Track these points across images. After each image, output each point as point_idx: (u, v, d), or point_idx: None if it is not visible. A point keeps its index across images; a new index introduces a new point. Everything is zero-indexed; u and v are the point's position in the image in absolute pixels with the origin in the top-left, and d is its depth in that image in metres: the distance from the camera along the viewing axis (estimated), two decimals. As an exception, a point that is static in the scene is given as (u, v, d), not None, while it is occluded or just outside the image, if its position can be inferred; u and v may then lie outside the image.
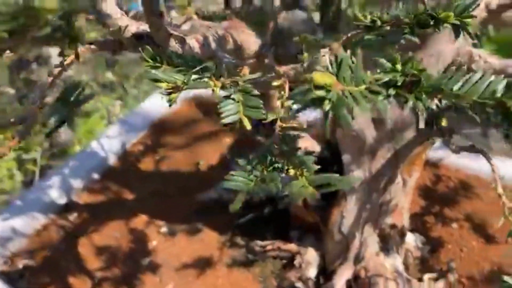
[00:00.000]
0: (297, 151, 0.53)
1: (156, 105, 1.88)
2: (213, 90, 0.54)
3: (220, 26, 0.87)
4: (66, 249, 1.45)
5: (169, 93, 0.50)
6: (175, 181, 1.64)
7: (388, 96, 0.42)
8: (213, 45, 0.71)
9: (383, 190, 1.23)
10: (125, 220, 1.50)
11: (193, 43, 0.66)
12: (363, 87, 0.41)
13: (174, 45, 0.61)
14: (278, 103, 0.57)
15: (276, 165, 0.52)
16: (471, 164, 1.64)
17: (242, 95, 0.55)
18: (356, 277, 1.34)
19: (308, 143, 1.23)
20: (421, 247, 1.49)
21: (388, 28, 0.58)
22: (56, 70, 0.60)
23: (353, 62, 0.41)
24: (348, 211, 1.24)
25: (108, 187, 1.63)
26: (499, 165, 0.92)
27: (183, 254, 1.42)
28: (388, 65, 0.43)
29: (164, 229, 1.47)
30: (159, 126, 1.87)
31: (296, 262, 1.34)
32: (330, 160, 1.26)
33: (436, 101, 0.42)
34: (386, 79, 0.42)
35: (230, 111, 0.55)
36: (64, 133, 1.95)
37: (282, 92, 0.57)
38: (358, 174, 1.21)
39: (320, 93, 0.39)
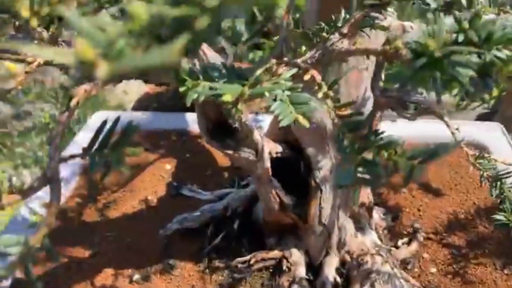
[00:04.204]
0: (372, 134, 0.53)
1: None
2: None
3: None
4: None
5: (236, 104, 0.46)
6: (129, 225, 1.52)
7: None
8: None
9: (350, 171, 1.27)
10: (89, 281, 1.36)
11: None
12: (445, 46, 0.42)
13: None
14: (320, 94, 0.56)
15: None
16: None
17: (289, 94, 0.53)
18: (343, 262, 1.36)
19: (271, 145, 1.22)
20: (384, 217, 1.57)
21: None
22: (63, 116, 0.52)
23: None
24: (325, 201, 1.25)
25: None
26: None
27: (166, 296, 1.32)
28: (455, 25, 0.45)
29: (136, 277, 1.35)
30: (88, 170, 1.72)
31: (284, 267, 1.32)
32: (295, 158, 1.27)
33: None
34: (461, 38, 0.43)
35: (285, 113, 0.52)
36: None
37: (322, 86, 0.56)
38: (326, 163, 1.23)
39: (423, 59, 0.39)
